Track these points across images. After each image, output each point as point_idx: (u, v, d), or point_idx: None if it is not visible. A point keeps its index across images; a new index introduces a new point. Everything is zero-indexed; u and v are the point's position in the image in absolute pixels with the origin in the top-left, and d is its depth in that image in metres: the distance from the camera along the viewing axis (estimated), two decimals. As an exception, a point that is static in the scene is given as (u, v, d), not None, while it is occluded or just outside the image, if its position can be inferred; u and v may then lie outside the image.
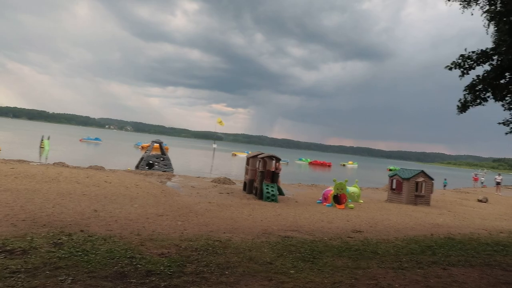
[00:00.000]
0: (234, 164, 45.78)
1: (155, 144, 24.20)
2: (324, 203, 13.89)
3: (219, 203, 11.61)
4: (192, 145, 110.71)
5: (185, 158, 45.83)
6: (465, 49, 6.92)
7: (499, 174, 33.85)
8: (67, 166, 17.35)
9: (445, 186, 33.61)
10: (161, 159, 22.92)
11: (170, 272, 4.56)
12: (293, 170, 46.17)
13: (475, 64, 6.77)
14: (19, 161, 17.89)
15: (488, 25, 7.57)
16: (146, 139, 75.85)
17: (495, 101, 7.00)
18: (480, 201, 21.29)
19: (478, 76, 6.93)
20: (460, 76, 6.81)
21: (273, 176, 14.22)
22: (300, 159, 76.77)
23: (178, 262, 4.99)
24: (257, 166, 14.71)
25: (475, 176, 45.62)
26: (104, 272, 4.33)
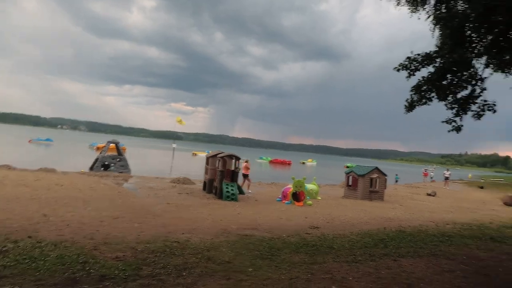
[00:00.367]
0: (194, 164, 45.24)
1: (111, 144, 23.38)
2: (283, 201, 14.11)
3: (178, 203, 11.45)
4: (151, 145, 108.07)
5: (143, 159, 44.61)
6: (411, 52, 7.34)
7: (448, 169, 36.07)
8: (14, 169, 16.32)
9: (396, 181, 35.30)
10: (118, 160, 22.18)
11: (125, 276, 4.45)
12: (253, 169, 46.04)
13: (420, 66, 7.20)
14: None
15: (434, 29, 8.07)
16: (102, 139, 72.86)
17: (439, 100, 7.48)
18: (429, 195, 22.58)
19: (423, 77, 7.37)
20: (407, 77, 7.21)
21: (233, 175, 14.23)
22: (261, 158, 77.27)
23: (133, 265, 4.88)
24: (216, 165, 14.65)
25: (425, 171, 48.39)
26: (53, 279, 4.14)
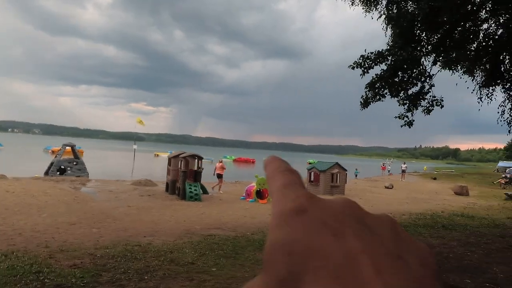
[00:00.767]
0: (156, 165, 44.24)
1: (67, 147, 22.34)
2: (247, 199, 14.17)
3: (139, 206, 11.18)
4: (110, 147, 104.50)
5: (103, 161, 43.00)
6: (365, 50, 7.63)
7: (404, 163, 37.84)
8: (-41, 177, 15.20)
9: (356, 176, 36.49)
10: (74, 163, 21.27)
11: (83, 283, 4.30)
12: (218, 168, 46.07)
13: (373, 63, 7.50)
14: None
15: (386, 28, 8.43)
16: (57, 143, 69.50)
17: (391, 97, 7.84)
18: (387, 188, 23.57)
19: (376, 74, 7.69)
20: (361, 74, 7.49)
21: (196, 175, 14.10)
22: (225, 157, 76.96)
23: (92, 272, 4.72)
24: (179, 166, 14.44)
25: (383, 165, 50.38)
26: (4, 291, 3.93)
